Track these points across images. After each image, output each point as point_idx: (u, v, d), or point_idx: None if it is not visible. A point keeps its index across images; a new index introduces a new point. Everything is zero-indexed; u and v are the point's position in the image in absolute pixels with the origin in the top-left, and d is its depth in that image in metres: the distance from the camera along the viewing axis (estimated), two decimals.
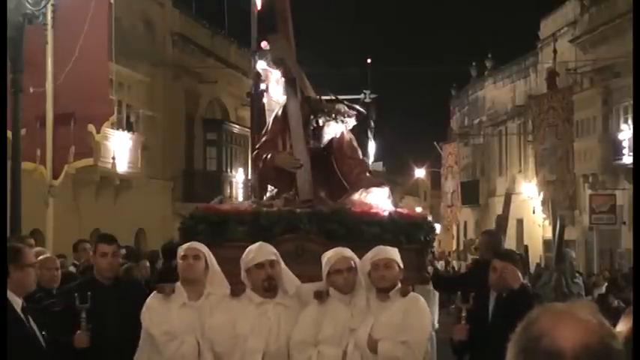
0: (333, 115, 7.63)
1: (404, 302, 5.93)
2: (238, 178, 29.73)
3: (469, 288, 6.93)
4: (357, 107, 8.04)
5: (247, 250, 6.08)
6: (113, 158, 21.76)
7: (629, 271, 19.15)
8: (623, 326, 2.19)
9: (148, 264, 11.53)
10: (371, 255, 6.02)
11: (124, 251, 10.48)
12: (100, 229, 18.33)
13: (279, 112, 7.80)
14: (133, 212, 22.94)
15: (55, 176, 12.09)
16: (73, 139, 12.28)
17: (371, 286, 6.00)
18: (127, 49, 21.88)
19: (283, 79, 7.91)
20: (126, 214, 22.38)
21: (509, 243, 32.35)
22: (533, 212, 32.10)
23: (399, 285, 6.01)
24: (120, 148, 22.81)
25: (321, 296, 6.01)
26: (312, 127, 7.61)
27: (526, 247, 15.19)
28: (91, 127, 12.45)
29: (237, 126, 30.60)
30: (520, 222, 33.88)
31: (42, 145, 11.83)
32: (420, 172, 56.35)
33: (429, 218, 8.08)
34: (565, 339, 1.87)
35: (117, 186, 23.07)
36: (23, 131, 11.39)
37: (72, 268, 9.80)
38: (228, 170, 30.01)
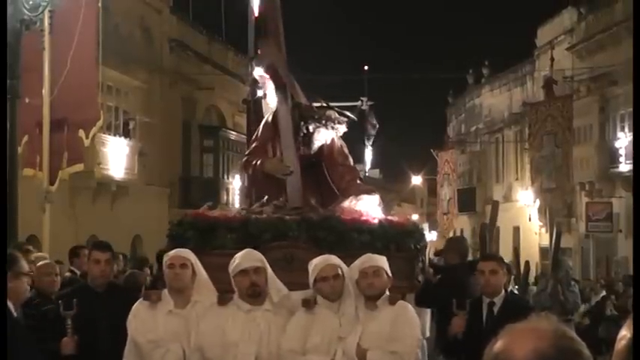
0: (324, 122, 7.57)
1: (392, 311, 5.90)
2: (235, 184, 29.72)
3: (448, 294, 6.95)
4: (348, 114, 7.99)
5: (234, 257, 6.03)
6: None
7: (625, 278, 19.20)
8: (628, 330, 2.22)
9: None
10: (359, 263, 5.98)
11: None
12: (97, 235, 18.32)
13: (270, 119, 7.76)
14: (130, 218, 22.92)
15: (52, 182, 12.09)
16: (66, 145, 12.27)
17: (359, 295, 5.96)
18: (124, 55, 21.91)
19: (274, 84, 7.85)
20: (122, 220, 22.36)
21: (506, 251, 32.34)
22: (530, 220, 32.11)
23: (387, 293, 5.97)
24: (116, 154, 22.81)
25: (308, 304, 5.97)
26: (302, 134, 7.55)
27: (527, 262, 15.10)
28: (82, 133, 12.44)
29: (234, 132, 30.60)
30: (517, 229, 33.87)
31: (41, 152, 11.85)
32: (416, 180, 56.30)
33: (419, 225, 8.00)
34: (517, 350, 1.98)
35: (113, 192, 23.05)
36: (25, 138, 11.40)
37: (66, 275, 9.78)
38: (225, 177, 30.00)
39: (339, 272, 5.94)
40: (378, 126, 39.56)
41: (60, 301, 6.39)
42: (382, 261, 6.02)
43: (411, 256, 6.80)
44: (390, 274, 6.00)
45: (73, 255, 10.51)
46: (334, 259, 6.02)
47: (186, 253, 6.25)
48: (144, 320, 6.09)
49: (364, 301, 5.95)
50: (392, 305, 5.92)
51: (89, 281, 6.94)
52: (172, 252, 6.32)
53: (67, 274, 9.81)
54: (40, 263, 7.64)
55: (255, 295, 5.95)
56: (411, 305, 6.07)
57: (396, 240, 6.75)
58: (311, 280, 5.97)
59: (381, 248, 6.55)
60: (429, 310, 8.16)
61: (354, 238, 6.68)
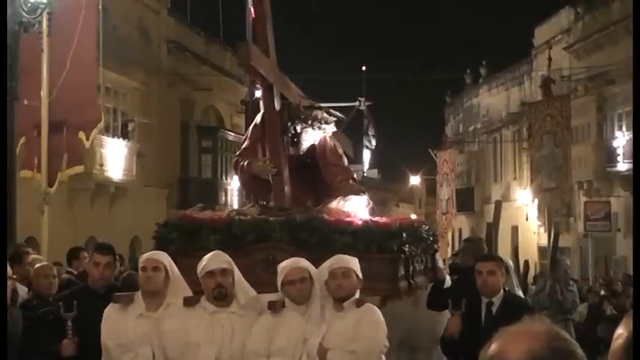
0: (310, 122, 7.54)
1: (358, 312, 5.85)
2: (233, 185, 29.72)
3: (460, 296, 6.94)
4: (336, 113, 7.96)
5: (202, 258, 6.00)
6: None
7: (623, 277, 19.23)
8: (625, 328, 2.23)
9: None
10: (329, 264, 5.94)
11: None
12: (95, 236, 18.34)
13: (259, 120, 7.76)
14: (128, 220, 22.92)
15: (51, 184, 12.09)
16: (66, 147, 12.28)
17: (328, 295, 5.93)
18: (122, 56, 21.91)
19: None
20: (121, 221, 22.38)
21: (504, 250, 32.33)
22: (527, 219, 32.13)
23: (357, 295, 5.92)
24: (115, 156, 22.82)
25: (274, 307, 5.94)
26: (290, 134, 7.53)
27: (526, 262, 15.12)
28: (82, 135, 12.45)
29: (232, 133, 30.59)
30: (515, 229, 33.89)
31: (39, 153, 11.85)
32: (415, 180, 56.25)
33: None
34: (511, 352, 2.00)
35: (112, 193, 23.07)
36: (22, 139, 11.40)
37: (64, 276, 9.78)
38: (224, 177, 30.00)
39: (307, 275, 5.91)
40: (372, 125, 39.57)
41: (60, 303, 6.39)
42: (353, 262, 5.95)
43: (393, 258, 6.65)
44: (361, 276, 5.94)
45: (72, 257, 10.52)
46: (302, 262, 5.98)
47: (160, 256, 6.20)
48: (114, 324, 6.05)
49: (332, 302, 5.92)
50: (358, 307, 5.87)
51: (89, 283, 6.94)
52: (146, 255, 6.29)
53: (65, 275, 9.81)
54: (38, 265, 7.62)
55: (221, 296, 5.92)
56: (378, 308, 5.94)
57: (378, 241, 6.61)
58: (279, 283, 5.94)
59: (362, 250, 6.46)
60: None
61: (335, 239, 6.56)
